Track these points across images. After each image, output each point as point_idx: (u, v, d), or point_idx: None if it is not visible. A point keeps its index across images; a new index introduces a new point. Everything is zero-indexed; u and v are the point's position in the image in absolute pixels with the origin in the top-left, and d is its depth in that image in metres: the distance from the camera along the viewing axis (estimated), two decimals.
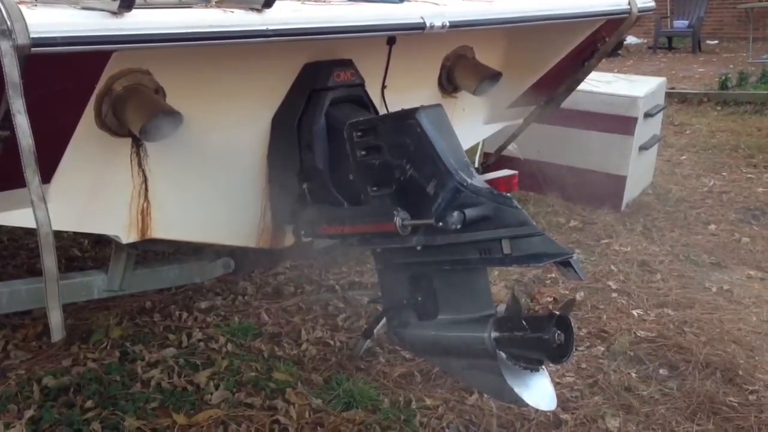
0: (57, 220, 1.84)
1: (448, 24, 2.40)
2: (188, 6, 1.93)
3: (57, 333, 1.92)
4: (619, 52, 12.77)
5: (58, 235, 1.85)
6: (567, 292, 3.79)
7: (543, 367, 2.17)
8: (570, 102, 3.86)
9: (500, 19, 2.67)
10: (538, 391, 2.16)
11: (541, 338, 2.06)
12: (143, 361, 3.01)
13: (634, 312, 3.62)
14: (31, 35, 1.59)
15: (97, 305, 3.33)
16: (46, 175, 1.96)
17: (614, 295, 3.80)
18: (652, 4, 3.21)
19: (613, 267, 4.14)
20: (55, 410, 2.68)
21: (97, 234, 3.05)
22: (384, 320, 2.80)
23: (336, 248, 3.11)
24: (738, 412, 2.85)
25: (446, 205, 2.17)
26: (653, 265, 4.18)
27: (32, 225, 1.82)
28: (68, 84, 1.87)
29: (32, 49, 1.59)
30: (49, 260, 1.83)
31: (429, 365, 3.00)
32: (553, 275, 3.89)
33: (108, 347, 3.11)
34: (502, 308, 2.22)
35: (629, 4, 3.07)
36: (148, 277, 2.92)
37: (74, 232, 3.84)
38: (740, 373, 3.08)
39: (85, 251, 4.10)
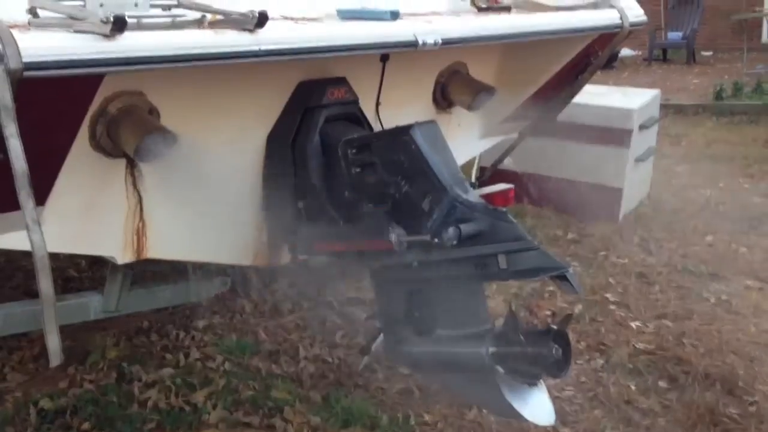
0: (52, 242, 1.84)
1: (440, 41, 2.41)
2: (180, 28, 1.93)
3: (55, 358, 1.91)
4: (614, 64, 12.83)
5: (54, 256, 1.84)
6: (565, 305, 3.78)
7: (540, 381, 2.16)
8: (565, 115, 3.87)
9: (493, 35, 2.68)
10: (537, 406, 2.16)
11: (539, 353, 2.06)
12: (140, 382, 2.99)
13: (633, 324, 3.61)
14: (24, 59, 1.59)
15: (94, 326, 3.32)
16: (41, 198, 1.96)
17: (612, 307, 3.79)
18: (644, 18, 3.23)
19: (611, 279, 4.13)
20: None
21: (93, 255, 3.05)
22: (381, 336, 2.80)
23: (332, 266, 3.11)
24: (738, 423, 2.84)
25: (442, 221, 2.18)
26: (651, 276, 4.18)
27: (28, 248, 1.82)
28: (61, 107, 1.87)
29: (25, 72, 1.60)
30: (45, 284, 1.82)
31: (428, 381, 2.99)
32: (552, 288, 3.88)
33: (105, 368, 3.10)
34: (499, 323, 2.22)
35: (621, 18, 3.09)
36: (145, 297, 2.92)
37: (71, 253, 3.83)
38: (740, 384, 3.08)
39: (82, 272, 4.09)
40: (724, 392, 3.03)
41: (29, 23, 1.84)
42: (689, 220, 5.16)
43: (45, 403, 2.81)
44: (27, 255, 2.25)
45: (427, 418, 2.83)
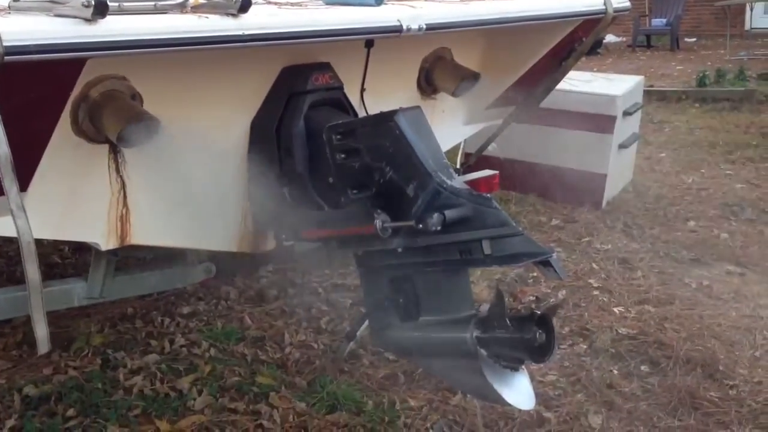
0: (35, 228, 1.82)
1: (425, 27, 2.41)
2: (163, 12, 1.91)
3: (43, 345, 1.90)
4: (599, 50, 12.85)
5: (37, 242, 1.83)
6: (549, 290, 3.81)
7: (522, 366, 2.18)
8: (549, 101, 3.88)
9: (477, 20, 2.68)
10: (518, 390, 2.18)
11: (523, 338, 2.08)
12: (125, 368, 2.99)
13: (616, 309, 3.64)
14: (4, 44, 1.57)
15: (78, 313, 3.31)
16: (23, 183, 1.94)
17: (596, 292, 3.83)
18: (628, 4, 3.24)
19: (594, 265, 4.17)
20: (36, 419, 2.67)
21: (76, 241, 3.03)
22: (367, 322, 2.81)
23: (317, 251, 3.11)
24: (718, 406, 2.88)
25: (426, 207, 2.18)
26: (634, 262, 4.21)
27: (8, 233, 1.81)
28: (43, 91, 1.85)
29: (5, 57, 1.58)
30: (32, 270, 1.81)
31: (412, 366, 3.01)
32: (535, 274, 3.91)
33: (89, 355, 3.10)
34: (484, 308, 2.24)
35: (605, 4, 3.09)
36: (129, 284, 2.90)
37: (54, 239, 3.81)
38: (720, 368, 3.12)
39: (65, 258, 4.07)
40: (705, 376, 3.07)
41: (9, 7, 1.83)
42: (672, 206, 5.21)
43: (29, 390, 2.81)
44: (8, 241, 2.22)
45: (412, 403, 2.85)
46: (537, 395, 2.72)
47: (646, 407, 2.87)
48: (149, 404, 2.77)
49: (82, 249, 4.01)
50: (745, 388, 2.99)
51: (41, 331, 1.87)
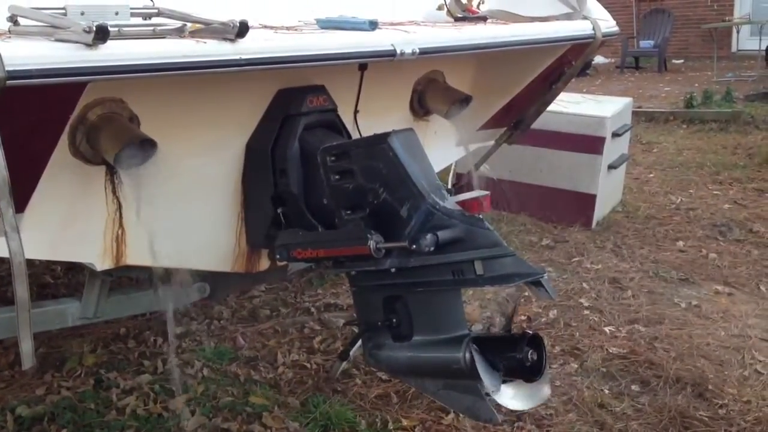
0: (31, 248, 1.84)
1: (418, 51, 2.45)
2: (162, 37, 1.95)
3: (27, 361, 1.93)
4: (588, 72, 13.00)
5: (30, 262, 1.85)
6: (540, 310, 3.84)
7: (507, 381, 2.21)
8: (540, 123, 3.93)
9: (469, 45, 2.72)
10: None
11: (514, 357, 2.11)
12: (118, 389, 2.99)
13: (606, 329, 3.67)
14: (6, 68, 1.60)
15: (71, 332, 3.31)
16: (20, 205, 1.96)
17: (586, 312, 3.86)
18: (616, 29, 3.29)
19: (584, 285, 4.20)
20: None
21: (70, 261, 3.04)
22: (360, 342, 2.82)
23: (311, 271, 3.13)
24: (708, 426, 2.90)
25: (419, 228, 2.21)
26: (624, 282, 4.25)
27: (5, 254, 1.83)
28: (43, 114, 1.88)
29: (7, 81, 1.60)
30: (21, 289, 1.84)
31: (405, 386, 3.02)
32: (527, 294, 3.94)
33: (82, 375, 3.10)
34: (476, 328, 2.26)
35: (594, 29, 3.14)
36: (123, 304, 2.91)
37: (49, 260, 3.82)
38: (710, 387, 3.14)
39: (57, 278, 4.07)
40: (695, 395, 3.10)
41: (9, 31, 1.85)
42: (660, 226, 5.26)
43: (22, 410, 2.80)
44: (1, 261, 2.22)
45: (405, 422, 2.86)
46: (529, 414, 2.76)
47: (636, 427, 2.89)
48: (142, 424, 2.77)
49: (73, 269, 4.01)
50: (735, 407, 3.02)
51: (26, 346, 1.90)
